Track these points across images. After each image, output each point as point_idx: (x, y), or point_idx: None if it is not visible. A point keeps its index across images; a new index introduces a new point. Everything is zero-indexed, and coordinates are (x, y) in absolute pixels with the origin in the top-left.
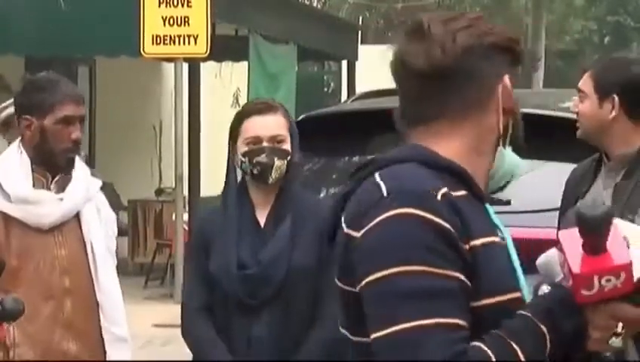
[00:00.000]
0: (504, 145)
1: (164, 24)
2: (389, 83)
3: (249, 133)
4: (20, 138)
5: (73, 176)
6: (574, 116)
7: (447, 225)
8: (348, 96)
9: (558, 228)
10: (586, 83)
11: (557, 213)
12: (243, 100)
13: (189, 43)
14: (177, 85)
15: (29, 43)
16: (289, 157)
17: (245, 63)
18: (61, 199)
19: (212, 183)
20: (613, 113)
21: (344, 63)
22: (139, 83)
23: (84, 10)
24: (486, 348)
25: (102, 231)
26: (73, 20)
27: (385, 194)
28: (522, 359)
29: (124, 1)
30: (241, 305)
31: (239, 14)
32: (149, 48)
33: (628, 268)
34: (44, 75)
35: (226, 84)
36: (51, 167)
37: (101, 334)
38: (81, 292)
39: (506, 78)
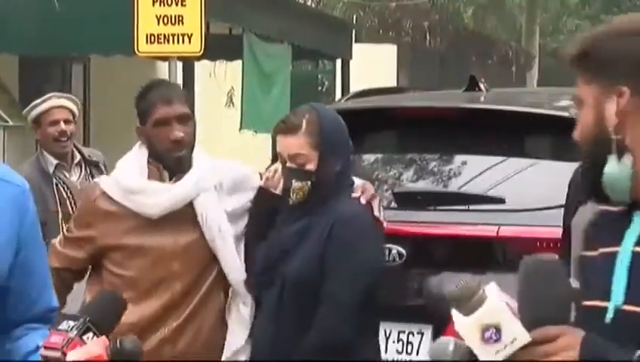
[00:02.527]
0: None
1: (159, 23)
2: (383, 81)
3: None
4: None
5: (194, 165)
6: (568, 114)
7: None
8: (342, 95)
9: (564, 227)
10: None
11: (550, 211)
12: (237, 99)
13: (183, 42)
14: None
15: (23, 42)
16: (313, 177)
17: (239, 62)
18: (169, 189)
19: None
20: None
21: (338, 62)
22: (133, 81)
23: (78, 9)
24: None
25: (223, 217)
26: (67, 19)
27: None
28: None
29: (118, 0)
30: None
31: (233, 13)
32: (143, 47)
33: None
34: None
35: (220, 83)
36: (165, 168)
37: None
38: (192, 278)
39: None
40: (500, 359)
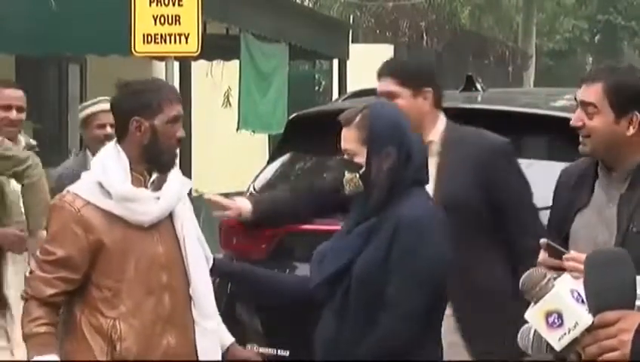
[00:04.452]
0: None
1: (155, 23)
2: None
3: None
4: (115, 139)
5: (168, 177)
6: (564, 114)
7: None
8: (339, 95)
9: (548, 228)
10: (598, 98)
11: (547, 211)
12: (234, 99)
13: (179, 42)
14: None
15: (19, 42)
16: (362, 170)
17: (236, 62)
18: (158, 198)
19: (203, 181)
20: (632, 130)
21: (335, 62)
22: None
23: (74, 9)
24: None
25: (193, 228)
26: (64, 19)
27: None
28: None
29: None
30: None
31: (230, 13)
32: (139, 47)
33: None
34: (144, 79)
35: (217, 83)
36: (157, 165)
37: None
38: (178, 288)
39: None
40: (566, 343)
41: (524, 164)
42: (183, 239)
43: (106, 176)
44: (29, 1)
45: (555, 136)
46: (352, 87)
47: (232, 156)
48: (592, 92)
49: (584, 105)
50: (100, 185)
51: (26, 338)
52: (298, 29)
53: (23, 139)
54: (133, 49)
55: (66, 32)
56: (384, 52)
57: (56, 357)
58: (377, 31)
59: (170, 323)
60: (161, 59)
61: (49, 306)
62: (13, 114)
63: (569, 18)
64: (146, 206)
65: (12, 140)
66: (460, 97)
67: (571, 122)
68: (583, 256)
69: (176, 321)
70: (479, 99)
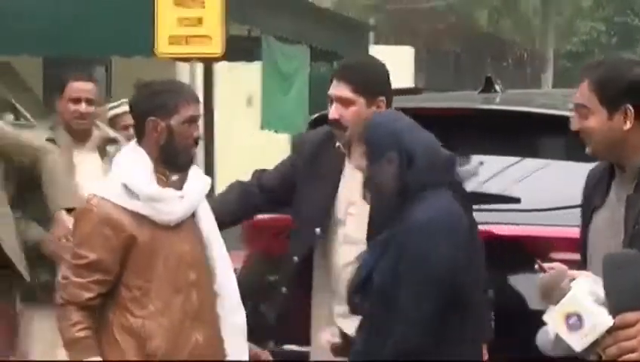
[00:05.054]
0: None
1: (179, 25)
2: (400, 83)
3: None
4: (135, 139)
5: (189, 175)
6: None
7: None
8: None
9: (582, 228)
10: (586, 97)
11: (566, 211)
12: (256, 100)
13: (203, 43)
14: (192, 85)
15: (45, 44)
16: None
17: (258, 64)
18: (182, 197)
19: (226, 180)
20: (628, 124)
21: None
22: None
23: (100, 11)
24: None
25: (213, 226)
26: (89, 21)
27: None
28: None
29: (139, 2)
30: None
31: (252, 15)
32: (163, 48)
33: None
34: (161, 80)
35: (239, 85)
36: (174, 166)
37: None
38: (205, 285)
39: None
40: (586, 344)
41: (542, 164)
42: (207, 236)
43: (131, 177)
44: (56, 4)
45: (573, 136)
46: None
47: (254, 155)
48: (580, 93)
49: (577, 107)
50: (125, 186)
51: (68, 343)
52: (319, 31)
53: (98, 133)
54: (156, 51)
55: (92, 34)
56: (404, 54)
57: (99, 359)
58: (397, 33)
59: (198, 320)
60: (184, 60)
61: (86, 310)
62: (83, 107)
63: (586, 20)
64: (172, 205)
65: (85, 134)
66: (479, 98)
67: (571, 127)
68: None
69: (203, 318)
70: (498, 100)
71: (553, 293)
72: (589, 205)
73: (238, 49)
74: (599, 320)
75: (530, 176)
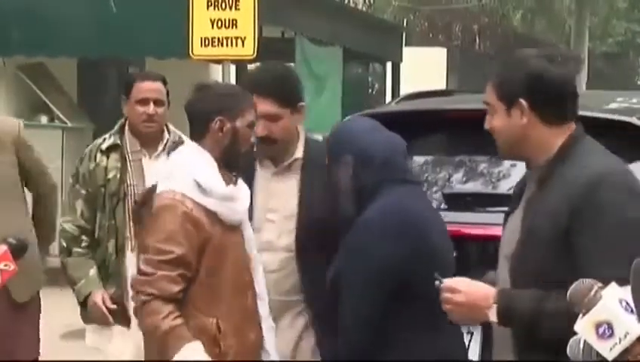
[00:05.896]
0: None
1: (213, 26)
2: (433, 84)
3: None
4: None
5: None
6: (617, 117)
7: None
8: (392, 98)
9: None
10: (489, 95)
11: None
12: None
13: (236, 45)
14: None
15: (81, 45)
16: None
17: (292, 65)
18: (243, 197)
19: None
20: (524, 119)
21: (389, 65)
22: (188, 84)
23: (134, 12)
24: None
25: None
26: (124, 23)
27: None
28: None
29: (173, 4)
30: None
31: (286, 17)
32: (197, 50)
33: None
34: (219, 82)
35: None
36: (234, 167)
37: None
38: (254, 286)
39: None
40: (617, 353)
41: None
42: (249, 240)
43: (206, 175)
44: (91, 6)
45: (606, 137)
46: (404, 89)
47: None
48: (487, 91)
49: (487, 106)
50: (199, 184)
51: (165, 333)
52: (352, 33)
53: (168, 135)
54: (191, 52)
55: (127, 36)
56: (436, 55)
57: (201, 346)
58: (430, 34)
59: (253, 319)
60: (218, 62)
61: (175, 303)
62: (151, 108)
63: (621, 21)
64: (240, 205)
65: (154, 137)
66: None
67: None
68: (456, 285)
69: (256, 318)
70: None
71: (583, 302)
72: (510, 208)
73: (272, 50)
74: (630, 328)
75: None
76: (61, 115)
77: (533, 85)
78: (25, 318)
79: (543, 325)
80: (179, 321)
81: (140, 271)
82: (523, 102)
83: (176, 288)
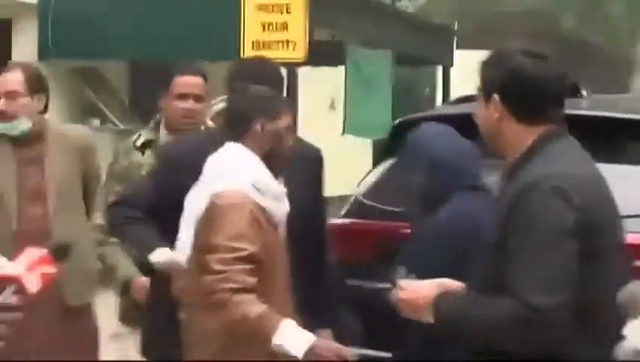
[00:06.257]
0: None
1: (264, 30)
2: None
3: None
4: (239, 139)
5: None
6: None
7: None
8: (443, 101)
9: None
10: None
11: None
12: (339, 104)
13: (287, 48)
14: None
15: (132, 48)
16: None
17: (342, 68)
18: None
19: None
20: (496, 114)
21: (439, 68)
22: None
23: (185, 16)
24: None
25: None
26: (175, 26)
27: None
28: None
29: (224, 7)
30: None
31: (336, 20)
32: (249, 53)
33: None
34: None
35: (322, 89)
36: (274, 168)
37: None
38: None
39: None
40: None
41: (629, 170)
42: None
43: (259, 175)
44: (143, 9)
45: None
46: (455, 93)
47: (337, 160)
48: None
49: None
50: (256, 183)
51: (258, 318)
52: (402, 35)
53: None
54: (242, 55)
55: (178, 39)
56: None
57: (294, 322)
58: (481, 37)
59: (291, 319)
60: None
61: (254, 293)
62: (190, 103)
63: None
64: (284, 205)
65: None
66: (566, 103)
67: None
68: (406, 283)
69: (293, 318)
70: (584, 105)
71: (635, 306)
72: None
73: (322, 53)
74: None
75: (616, 183)
76: (113, 118)
77: (507, 81)
78: (79, 322)
79: (469, 329)
80: (265, 306)
81: (211, 271)
82: (496, 97)
83: (253, 280)
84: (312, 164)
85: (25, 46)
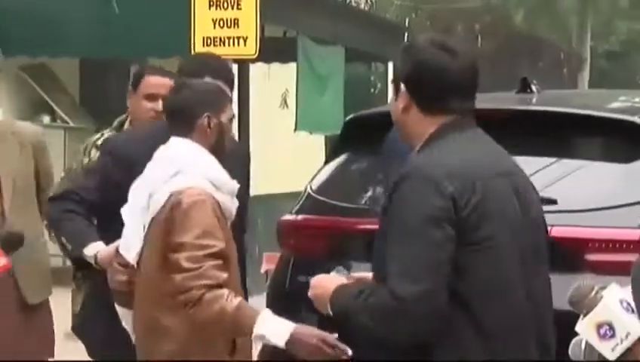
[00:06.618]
0: None
1: (215, 26)
2: None
3: None
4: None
5: None
6: (619, 116)
7: None
8: None
9: None
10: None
11: (603, 212)
12: (291, 101)
13: (238, 44)
14: None
15: (83, 46)
16: None
17: (293, 65)
18: None
19: (261, 182)
20: (401, 104)
21: (390, 64)
22: None
23: (136, 12)
24: None
25: None
26: (125, 23)
27: None
28: None
29: (174, 4)
30: None
31: (288, 16)
32: (199, 50)
33: None
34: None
35: (274, 85)
36: (219, 161)
37: None
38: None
39: None
40: (618, 353)
41: (579, 165)
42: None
43: (214, 170)
44: (92, 6)
45: (610, 137)
46: None
47: (289, 157)
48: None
49: None
50: (211, 179)
51: (236, 310)
52: (354, 32)
53: None
54: (193, 51)
55: (128, 36)
56: None
57: (270, 312)
58: (432, 33)
59: None
60: None
61: (226, 288)
62: (158, 104)
63: (624, 20)
64: (235, 200)
65: None
66: (516, 99)
67: None
68: (316, 278)
69: None
70: (534, 101)
71: (584, 303)
72: None
73: (274, 50)
74: (631, 328)
75: (566, 178)
76: (63, 115)
77: (412, 71)
78: (37, 319)
79: (357, 320)
80: (240, 299)
81: (182, 269)
82: (402, 86)
83: (224, 275)
84: (243, 160)
85: None
